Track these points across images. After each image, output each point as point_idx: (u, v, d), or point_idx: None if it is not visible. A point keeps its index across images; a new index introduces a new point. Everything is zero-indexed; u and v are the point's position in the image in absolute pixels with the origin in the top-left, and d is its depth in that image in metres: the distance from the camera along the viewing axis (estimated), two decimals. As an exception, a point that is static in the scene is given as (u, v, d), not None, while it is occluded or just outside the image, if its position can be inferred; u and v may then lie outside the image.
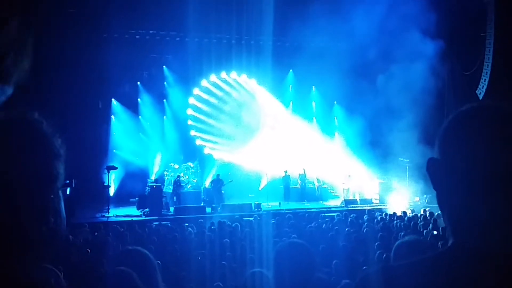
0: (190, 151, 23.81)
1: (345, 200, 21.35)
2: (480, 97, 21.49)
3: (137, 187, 21.49)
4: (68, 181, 1.18)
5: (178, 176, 21.48)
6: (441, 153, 1.21)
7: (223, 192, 20.63)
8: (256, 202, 19.86)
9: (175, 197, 20.54)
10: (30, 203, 1.06)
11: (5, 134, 1.02)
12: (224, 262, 8.56)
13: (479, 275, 1.10)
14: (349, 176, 22.38)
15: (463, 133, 1.17)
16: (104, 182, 20.26)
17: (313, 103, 26.17)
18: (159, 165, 23.34)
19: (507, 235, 1.10)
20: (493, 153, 1.11)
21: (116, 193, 21.71)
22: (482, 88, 21.56)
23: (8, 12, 0.62)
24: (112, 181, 21.21)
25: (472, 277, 1.10)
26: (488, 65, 21.32)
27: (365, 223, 13.93)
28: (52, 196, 1.10)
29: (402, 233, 10.77)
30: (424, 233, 12.26)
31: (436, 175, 1.22)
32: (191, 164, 23.41)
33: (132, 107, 23.65)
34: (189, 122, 24.14)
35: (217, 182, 20.69)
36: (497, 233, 1.10)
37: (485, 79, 21.48)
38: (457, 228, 1.18)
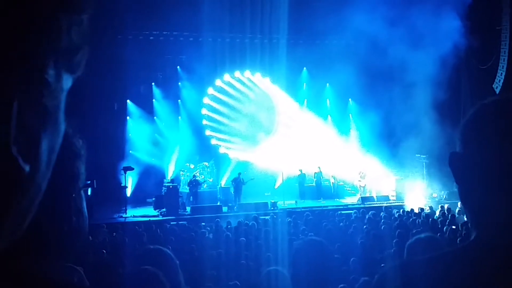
0: (205, 151, 23.86)
1: (361, 197, 21.25)
2: (497, 91, 21.23)
3: (154, 188, 21.60)
4: (89, 182, 1.20)
5: (194, 176, 21.56)
6: (463, 146, 1.19)
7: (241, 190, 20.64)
8: (272, 201, 19.86)
9: (191, 197, 20.62)
10: (52, 203, 1.08)
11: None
12: (242, 261, 8.57)
13: (501, 269, 1.09)
14: (361, 174, 22.17)
15: (485, 126, 1.15)
16: (121, 183, 20.42)
17: (328, 101, 26.06)
18: (175, 165, 23.43)
19: None
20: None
21: (133, 193, 21.84)
22: (499, 82, 21.31)
23: (85, 4, 0.64)
24: (129, 182, 21.35)
25: (494, 271, 1.09)
26: (504, 59, 21.07)
27: (382, 220, 13.85)
28: (74, 196, 1.12)
29: (420, 230, 10.69)
30: (443, 229, 12.15)
31: (458, 169, 1.19)
32: (206, 163, 23.49)
33: (147, 108, 23.78)
34: (204, 122, 24.20)
35: (238, 180, 20.70)
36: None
37: (501, 73, 21.23)
38: (480, 222, 1.17)
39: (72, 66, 0.66)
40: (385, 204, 19.53)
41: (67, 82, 0.67)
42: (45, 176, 0.65)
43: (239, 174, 21.13)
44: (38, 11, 0.58)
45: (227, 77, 24.43)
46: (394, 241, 9.26)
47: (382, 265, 6.17)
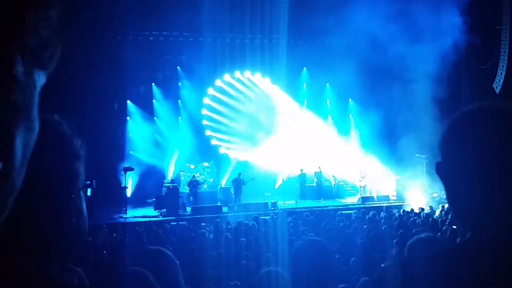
0: (205, 151, 23.87)
1: (362, 197, 21.26)
2: (497, 91, 21.24)
3: (154, 188, 21.61)
4: (89, 182, 1.20)
5: (193, 176, 21.58)
6: (446, 154, 1.28)
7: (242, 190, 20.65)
8: (273, 201, 19.87)
9: (191, 197, 20.63)
10: (52, 203, 1.07)
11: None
12: (241, 262, 8.57)
13: (493, 264, 1.15)
14: (361, 174, 22.17)
15: (465, 134, 1.23)
16: (121, 183, 20.42)
17: (328, 101, 26.06)
18: (175, 166, 23.43)
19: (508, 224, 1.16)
20: (492, 150, 1.16)
21: (133, 194, 21.85)
22: (499, 81, 21.30)
23: (51, 0, 0.64)
24: (129, 182, 21.35)
25: (487, 266, 1.15)
26: (504, 58, 21.06)
27: (383, 220, 13.84)
28: (73, 196, 1.11)
29: (420, 230, 10.68)
30: (443, 229, 12.14)
31: (445, 177, 1.28)
32: (206, 164, 23.49)
33: (147, 108, 23.78)
34: (204, 122, 24.20)
35: (238, 181, 20.70)
36: (499, 224, 1.16)
37: (501, 73, 21.23)
38: (467, 223, 1.25)
39: (43, 62, 0.66)
40: (385, 204, 19.52)
41: (39, 78, 0.67)
42: (20, 173, 0.65)
43: (239, 174, 21.12)
44: (3, 7, 0.58)
45: (227, 77, 24.43)
46: (395, 241, 9.26)
47: (383, 265, 6.17)
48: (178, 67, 24.18)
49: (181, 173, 23.11)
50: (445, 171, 1.27)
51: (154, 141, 23.75)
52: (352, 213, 16.00)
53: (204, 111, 24.19)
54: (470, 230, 1.22)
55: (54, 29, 0.65)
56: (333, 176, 23.27)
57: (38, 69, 0.66)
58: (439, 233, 9.84)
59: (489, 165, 1.16)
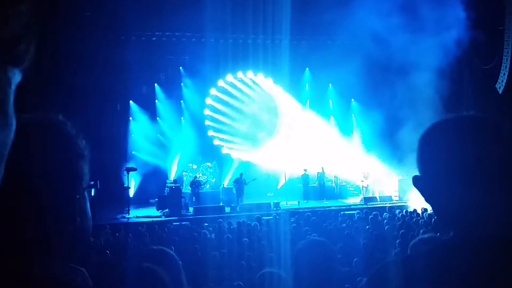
0: (208, 151, 23.88)
1: (364, 197, 21.23)
2: (500, 91, 21.19)
3: (156, 188, 21.62)
4: (93, 182, 1.20)
5: (195, 177, 21.60)
6: (424, 164, 1.41)
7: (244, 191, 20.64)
8: (275, 201, 19.86)
9: (194, 197, 20.64)
10: (56, 204, 1.08)
11: (30, 135, 1.03)
12: (243, 262, 8.57)
13: (476, 262, 1.22)
14: (364, 175, 22.15)
15: (438, 144, 1.35)
16: (124, 184, 20.44)
17: (330, 101, 26.05)
18: (177, 166, 23.45)
19: (488, 221, 1.25)
20: (464, 156, 1.27)
21: (135, 194, 21.89)
22: (502, 82, 21.26)
23: None
24: (132, 183, 21.37)
25: (469, 265, 1.23)
26: (507, 59, 21.01)
27: (385, 221, 13.83)
28: (78, 196, 1.12)
29: (423, 230, 10.66)
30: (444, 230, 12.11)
31: (422, 188, 1.42)
32: (209, 164, 23.52)
33: (150, 108, 23.81)
34: (207, 122, 24.21)
35: (240, 181, 20.70)
36: (481, 221, 1.26)
37: (504, 73, 21.17)
38: (451, 223, 1.35)
39: (16, 58, 0.65)
40: (388, 205, 19.49)
41: (14, 76, 0.66)
42: None
43: (241, 174, 21.12)
44: None
45: (229, 77, 24.44)
46: (397, 241, 9.25)
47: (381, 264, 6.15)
48: (181, 68, 24.20)
49: (184, 173, 23.14)
50: (421, 182, 1.40)
51: (157, 142, 23.78)
52: (354, 213, 15.98)
53: (206, 112, 24.21)
54: (453, 229, 1.33)
55: (26, 25, 0.64)
56: (335, 177, 23.26)
57: (12, 65, 0.65)
58: (437, 234, 9.81)
59: (464, 168, 1.26)
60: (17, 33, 0.64)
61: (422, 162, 1.40)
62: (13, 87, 0.66)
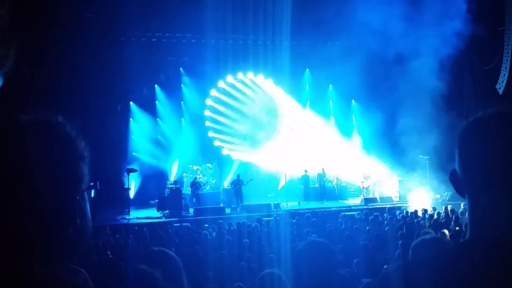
0: (208, 152, 23.88)
1: (365, 198, 21.22)
2: (500, 91, 21.19)
3: (157, 189, 21.62)
4: (92, 183, 1.20)
5: (195, 178, 21.61)
6: (460, 158, 1.33)
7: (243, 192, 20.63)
8: (275, 202, 19.85)
9: (194, 199, 20.64)
10: (56, 205, 1.08)
11: (30, 137, 1.03)
12: (243, 263, 8.57)
13: (496, 264, 1.18)
14: (364, 176, 22.16)
15: (478, 139, 1.29)
16: (124, 185, 20.44)
17: (331, 102, 26.04)
18: (178, 167, 23.45)
19: None
20: (506, 155, 1.22)
21: (136, 195, 21.88)
22: (502, 82, 21.25)
23: None
24: (132, 184, 21.37)
25: (490, 266, 1.18)
26: (507, 59, 21.01)
27: (386, 222, 13.82)
28: (78, 198, 1.12)
29: (423, 231, 10.65)
30: (446, 230, 12.11)
31: (458, 183, 1.34)
32: (209, 165, 23.52)
33: (150, 109, 23.82)
34: (207, 123, 24.21)
35: (237, 183, 20.70)
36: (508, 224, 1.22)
37: (504, 74, 21.17)
38: (479, 223, 1.29)
39: None
40: (388, 205, 19.51)
41: None
42: None
43: (238, 176, 21.13)
44: None
45: (230, 78, 24.43)
46: (398, 242, 9.24)
47: (386, 266, 6.16)
48: (181, 69, 24.19)
49: (184, 174, 23.14)
50: (458, 177, 1.32)
51: (157, 143, 23.78)
52: (355, 214, 15.98)
53: (207, 113, 24.20)
54: (477, 229, 1.27)
55: (4, 29, 0.65)
56: (336, 177, 23.25)
57: None
58: (438, 235, 9.81)
59: (501, 168, 1.21)
60: None
61: (462, 157, 1.33)
62: None
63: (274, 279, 3.58)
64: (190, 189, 21.14)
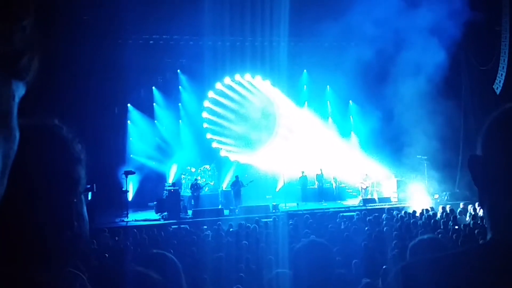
0: (206, 154, 23.88)
1: (363, 199, 21.23)
2: (498, 92, 21.21)
3: (155, 191, 21.59)
4: (89, 186, 1.20)
5: (196, 179, 21.60)
6: (484, 150, 1.23)
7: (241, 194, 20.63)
8: (274, 203, 19.84)
9: (192, 200, 20.63)
10: (53, 208, 1.08)
11: (26, 140, 1.03)
12: (242, 264, 8.57)
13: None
14: (366, 175, 22.23)
15: (506, 131, 1.18)
16: (122, 187, 20.41)
17: (328, 103, 26.05)
18: (176, 169, 23.43)
19: None
20: None
21: (134, 197, 21.84)
22: (499, 82, 21.27)
23: (23, 11, 0.64)
24: (130, 186, 21.34)
25: (506, 271, 1.11)
26: (504, 59, 21.03)
27: (384, 222, 13.84)
28: (75, 200, 1.12)
29: (422, 231, 10.67)
30: (445, 230, 12.13)
31: (477, 172, 1.23)
32: (207, 167, 23.51)
33: (148, 112, 23.79)
34: (205, 125, 24.20)
35: (237, 184, 20.69)
36: None
37: (502, 74, 21.19)
38: (496, 224, 1.19)
39: (20, 72, 0.66)
40: (387, 206, 19.51)
41: (18, 89, 0.67)
42: (2, 182, 0.65)
43: (237, 177, 21.13)
44: None
45: (227, 80, 24.44)
46: (396, 242, 9.25)
47: (384, 266, 6.17)
48: (179, 71, 24.17)
49: (182, 176, 23.12)
50: (479, 166, 1.22)
51: (155, 145, 23.76)
52: (353, 215, 15.99)
53: (204, 114, 24.20)
54: (495, 231, 1.18)
55: (29, 40, 0.65)
56: (334, 178, 23.26)
57: (16, 79, 0.66)
58: (440, 235, 9.83)
59: None
60: (20, 48, 0.65)
61: (486, 146, 1.22)
62: (17, 99, 0.67)
63: (285, 279, 3.56)
64: (190, 190, 21.11)
